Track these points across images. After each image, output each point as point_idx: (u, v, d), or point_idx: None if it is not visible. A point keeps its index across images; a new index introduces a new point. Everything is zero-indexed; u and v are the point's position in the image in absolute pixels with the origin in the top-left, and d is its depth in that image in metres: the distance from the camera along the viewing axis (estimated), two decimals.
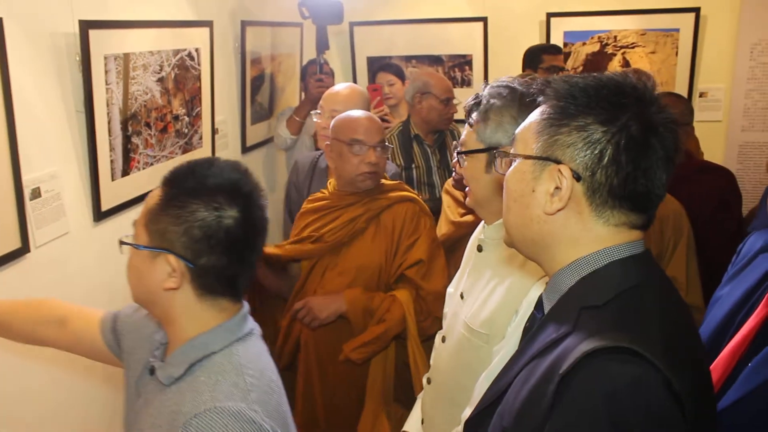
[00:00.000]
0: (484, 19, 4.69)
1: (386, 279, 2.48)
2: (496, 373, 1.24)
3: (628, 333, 0.99)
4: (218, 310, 1.32)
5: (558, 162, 1.08)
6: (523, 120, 1.18)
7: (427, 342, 2.39)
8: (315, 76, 3.95)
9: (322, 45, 4.03)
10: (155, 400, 1.30)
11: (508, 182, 1.17)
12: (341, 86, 3.12)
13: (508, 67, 4.19)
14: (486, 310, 1.67)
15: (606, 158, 1.04)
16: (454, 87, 4.75)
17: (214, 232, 1.24)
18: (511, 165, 1.17)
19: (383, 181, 2.58)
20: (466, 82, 4.85)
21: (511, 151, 1.18)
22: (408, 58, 4.81)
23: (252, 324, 1.39)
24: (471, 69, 4.83)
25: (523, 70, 4.05)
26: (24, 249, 2.13)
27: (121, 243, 1.36)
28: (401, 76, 4.21)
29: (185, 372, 1.27)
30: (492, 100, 1.64)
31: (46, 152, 2.24)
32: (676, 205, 2.51)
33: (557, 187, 1.08)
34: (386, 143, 2.54)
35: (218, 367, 1.26)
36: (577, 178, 1.06)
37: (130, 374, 1.47)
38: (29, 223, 2.15)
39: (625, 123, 1.04)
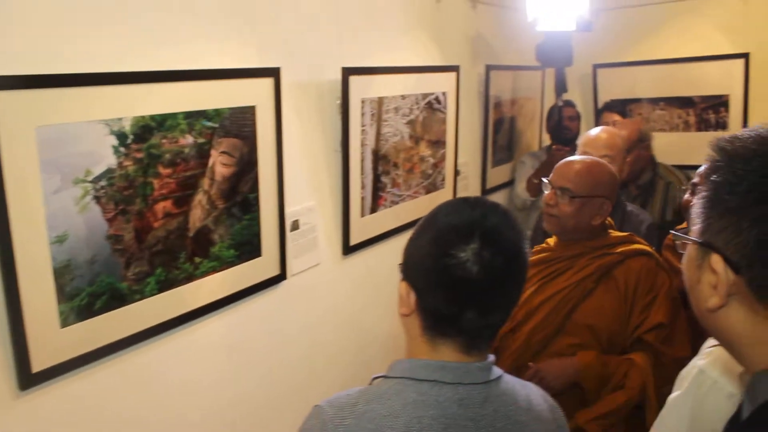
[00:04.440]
0: (746, 56, 4.33)
1: (620, 342, 2.26)
2: None
3: None
4: (432, 348, 1.24)
5: (713, 249, 0.92)
6: None
7: None
8: (555, 146, 3.95)
9: (560, 88, 3.99)
10: None
11: (683, 268, 1.03)
12: (600, 130, 3.05)
13: None
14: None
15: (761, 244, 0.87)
16: (707, 130, 4.50)
17: (432, 270, 1.19)
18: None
19: (613, 232, 2.38)
20: (721, 125, 4.49)
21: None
22: (655, 101, 4.57)
23: (457, 387, 1.20)
24: (727, 111, 4.46)
25: None
26: (282, 276, 2.32)
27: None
28: (625, 115, 4.08)
29: None
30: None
31: (306, 188, 2.43)
32: None
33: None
34: (573, 194, 2.27)
35: (357, 391, 1.25)
36: (735, 269, 0.89)
37: None
38: (287, 253, 2.33)
39: None
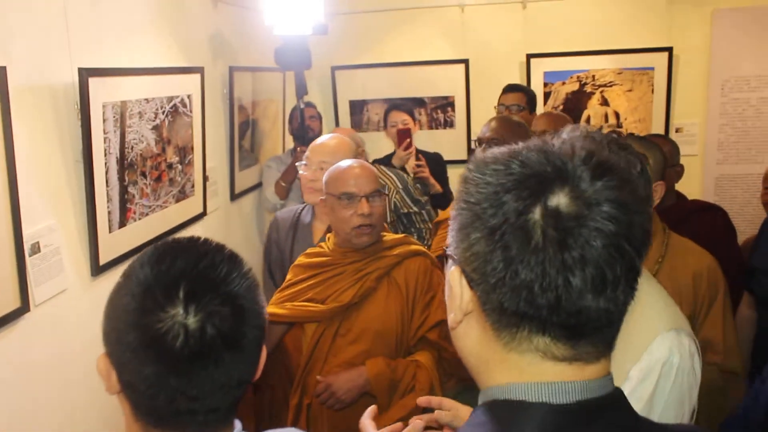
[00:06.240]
0: (466, 61, 4.74)
1: (405, 342, 2.26)
2: None
3: None
4: None
5: (453, 261, 0.84)
6: None
7: None
8: (300, 148, 3.88)
9: (301, 90, 3.99)
10: None
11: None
12: (328, 137, 2.97)
13: (488, 109, 4.19)
14: None
15: (491, 259, 0.77)
16: (437, 129, 4.85)
17: (127, 344, 0.92)
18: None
19: (387, 234, 2.38)
20: (449, 124, 4.87)
21: None
22: (390, 101, 4.79)
23: None
24: (453, 110, 4.85)
25: None
26: (24, 308, 2.01)
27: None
28: (413, 115, 4.09)
29: None
30: None
31: (45, 204, 2.14)
32: (710, 259, 2.20)
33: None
34: (381, 192, 2.30)
35: None
36: (471, 282, 0.81)
37: None
38: (29, 281, 2.04)
39: (514, 208, 0.75)
